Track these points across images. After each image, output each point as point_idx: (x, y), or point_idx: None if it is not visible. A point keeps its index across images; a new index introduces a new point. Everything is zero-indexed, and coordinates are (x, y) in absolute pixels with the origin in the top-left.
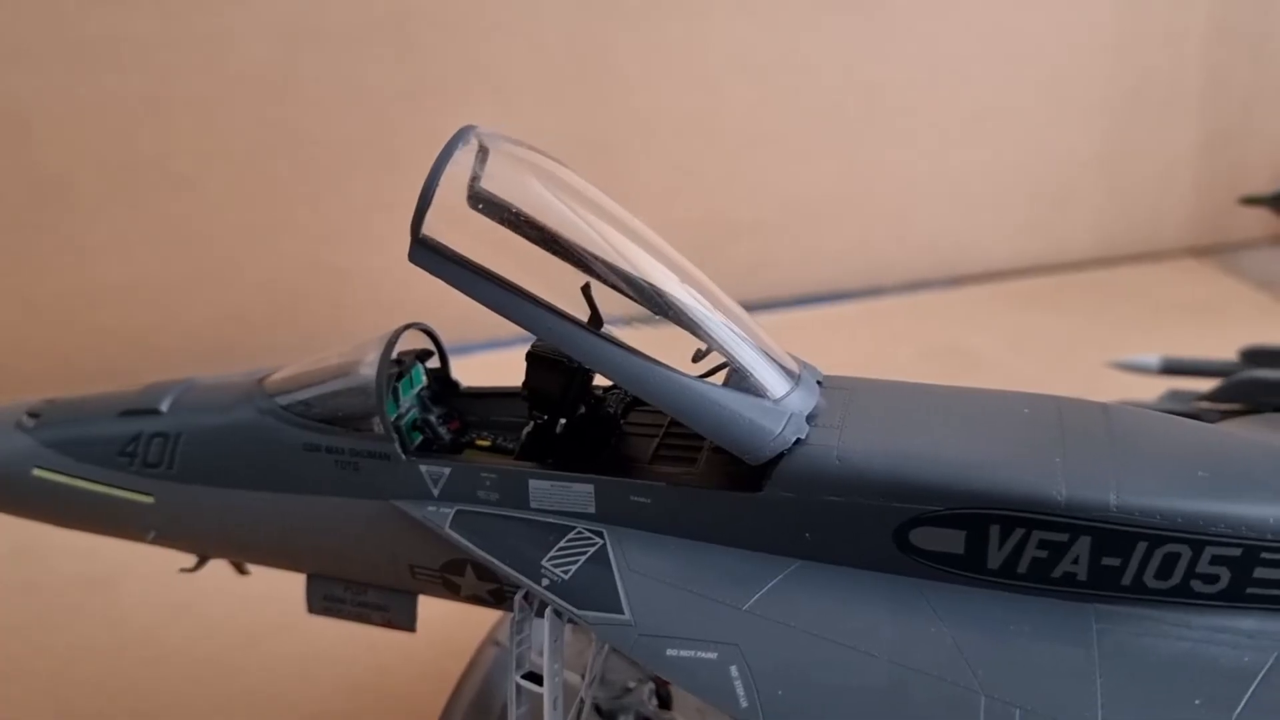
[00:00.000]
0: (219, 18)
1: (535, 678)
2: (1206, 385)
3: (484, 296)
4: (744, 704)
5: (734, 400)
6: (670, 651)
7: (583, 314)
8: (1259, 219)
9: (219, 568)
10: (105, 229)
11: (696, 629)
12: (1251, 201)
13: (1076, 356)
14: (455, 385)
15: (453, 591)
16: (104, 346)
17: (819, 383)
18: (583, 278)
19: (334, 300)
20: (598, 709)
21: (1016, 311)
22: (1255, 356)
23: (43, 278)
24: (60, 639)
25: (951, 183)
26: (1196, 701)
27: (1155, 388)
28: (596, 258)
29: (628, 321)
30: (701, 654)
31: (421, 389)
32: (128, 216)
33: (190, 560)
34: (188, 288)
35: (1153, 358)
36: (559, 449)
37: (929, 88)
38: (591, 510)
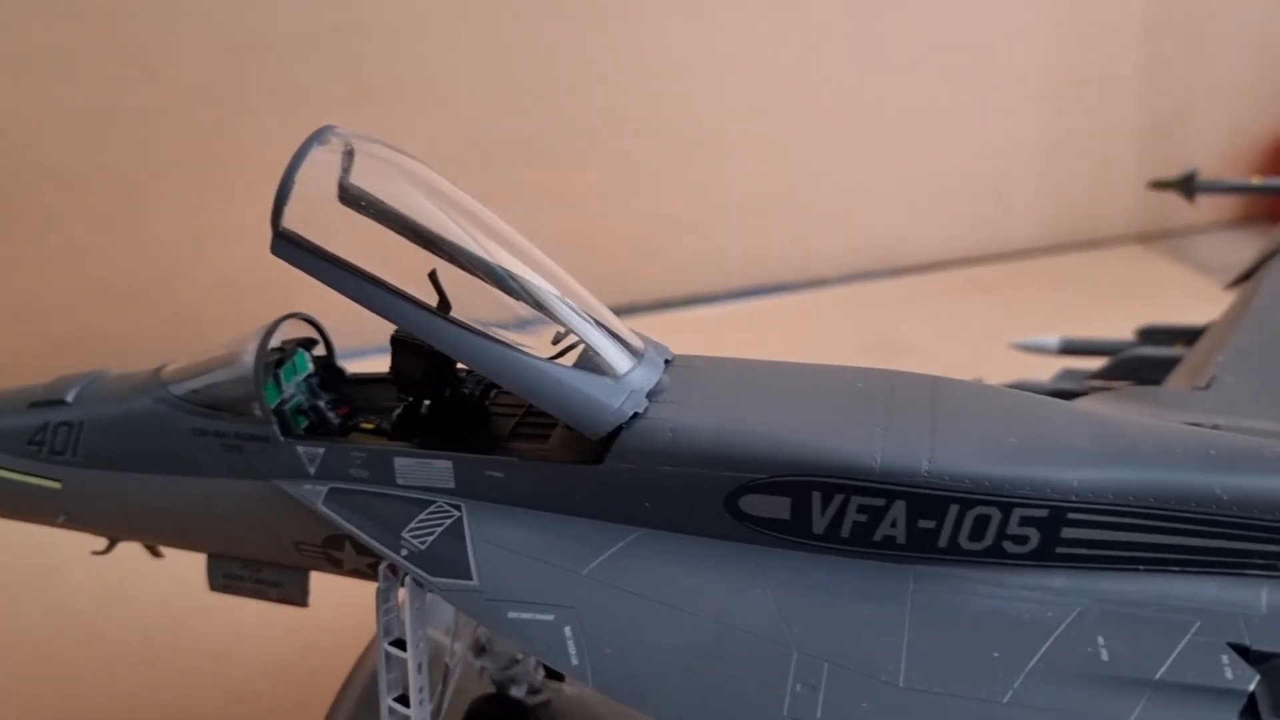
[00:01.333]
0: (161, 30)
1: (403, 644)
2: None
3: (341, 286)
4: (575, 661)
5: (574, 378)
6: (511, 614)
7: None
8: (1202, 207)
9: (144, 553)
10: (60, 237)
11: (537, 593)
12: (1159, 186)
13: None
14: (341, 372)
15: (336, 566)
16: (61, 352)
17: (667, 361)
18: (447, 267)
19: (283, 300)
20: (492, 681)
21: (957, 300)
22: (1151, 335)
23: None
24: None
25: (892, 176)
26: (995, 654)
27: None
28: (456, 248)
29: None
30: (540, 616)
31: (309, 376)
32: (82, 225)
33: (102, 543)
34: (141, 292)
35: (1052, 339)
36: (424, 428)
37: (865, 82)
38: (451, 485)
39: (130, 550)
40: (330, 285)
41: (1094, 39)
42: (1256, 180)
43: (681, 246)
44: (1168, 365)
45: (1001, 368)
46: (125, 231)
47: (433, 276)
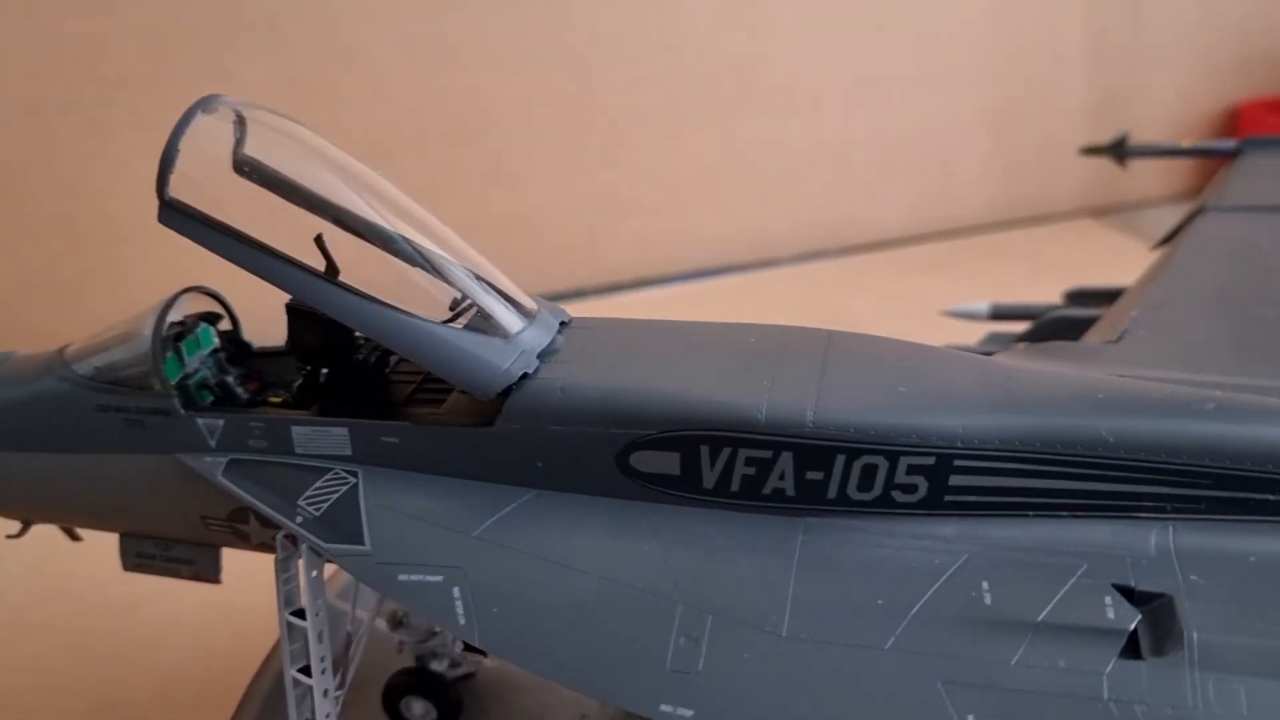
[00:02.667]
0: (90, 22)
1: (304, 614)
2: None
3: (229, 254)
4: (462, 621)
5: (463, 339)
6: (401, 577)
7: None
8: (1153, 178)
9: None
10: None
11: (427, 555)
12: (1091, 151)
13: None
14: (248, 346)
15: (244, 540)
16: None
17: (564, 323)
18: (339, 233)
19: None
20: (412, 655)
21: (906, 277)
22: (1078, 297)
23: None
24: None
25: (838, 154)
26: (879, 602)
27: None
28: (348, 214)
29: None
30: (429, 578)
31: (215, 350)
32: (15, 217)
33: (15, 526)
34: (76, 285)
35: (982, 305)
36: (323, 397)
37: (809, 60)
38: (348, 452)
39: (62, 538)
40: (219, 253)
41: (1037, 11)
42: (1187, 144)
43: (626, 229)
44: (1089, 325)
45: (945, 339)
46: (60, 223)
47: (319, 241)
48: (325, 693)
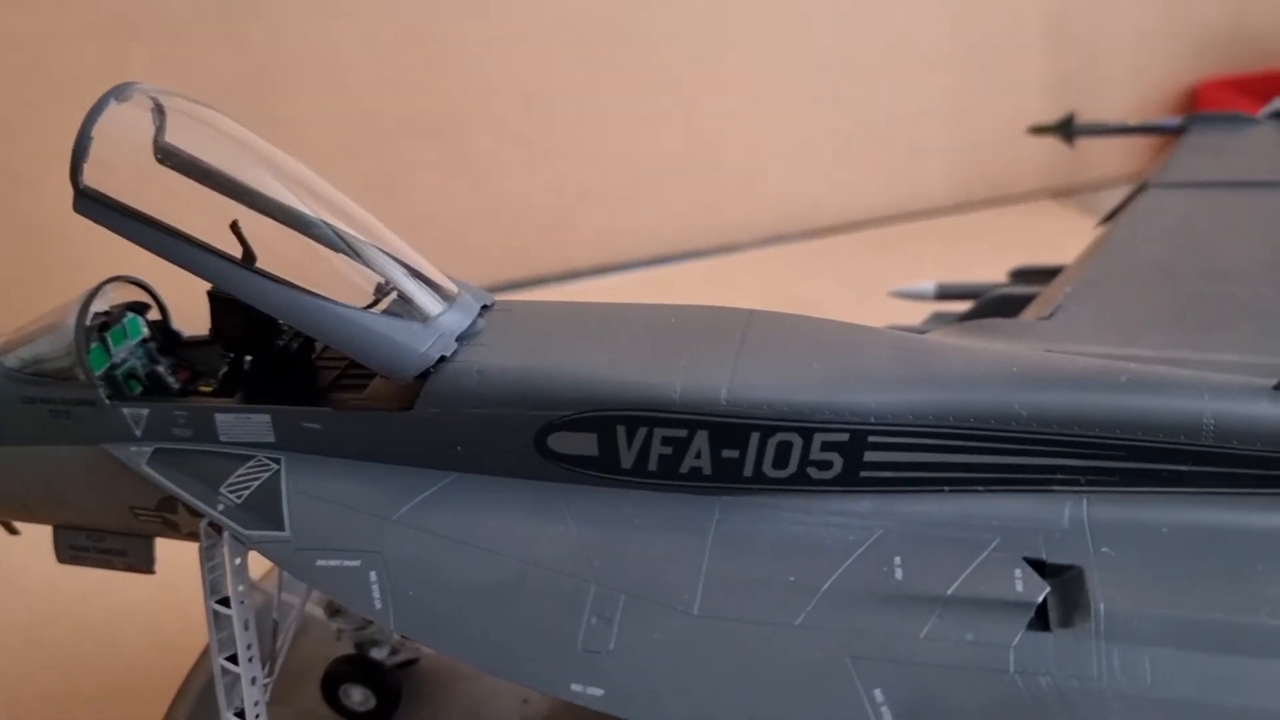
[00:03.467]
0: (42, 18)
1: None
2: None
3: (145, 242)
4: (378, 605)
5: (380, 323)
6: (320, 562)
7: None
8: (1115, 159)
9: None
10: None
11: (345, 540)
12: (1039, 131)
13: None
14: (178, 335)
15: (174, 530)
16: None
17: (486, 307)
18: (259, 219)
19: (171, 284)
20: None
21: (867, 259)
22: (1022, 275)
23: None
24: None
25: (799, 138)
26: (791, 579)
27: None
28: (267, 200)
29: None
30: (346, 562)
31: (146, 340)
32: None
33: None
34: (33, 281)
35: (928, 284)
36: (248, 384)
37: (770, 44)
38: (271, 439)
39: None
40: (135, 241)
41: None
42: (1134, 121)
43: (588, 217)
44: (1030, 303)
45: (894, 320)
46: (12, 220)
47: (235, 227)
48: (253, 680)
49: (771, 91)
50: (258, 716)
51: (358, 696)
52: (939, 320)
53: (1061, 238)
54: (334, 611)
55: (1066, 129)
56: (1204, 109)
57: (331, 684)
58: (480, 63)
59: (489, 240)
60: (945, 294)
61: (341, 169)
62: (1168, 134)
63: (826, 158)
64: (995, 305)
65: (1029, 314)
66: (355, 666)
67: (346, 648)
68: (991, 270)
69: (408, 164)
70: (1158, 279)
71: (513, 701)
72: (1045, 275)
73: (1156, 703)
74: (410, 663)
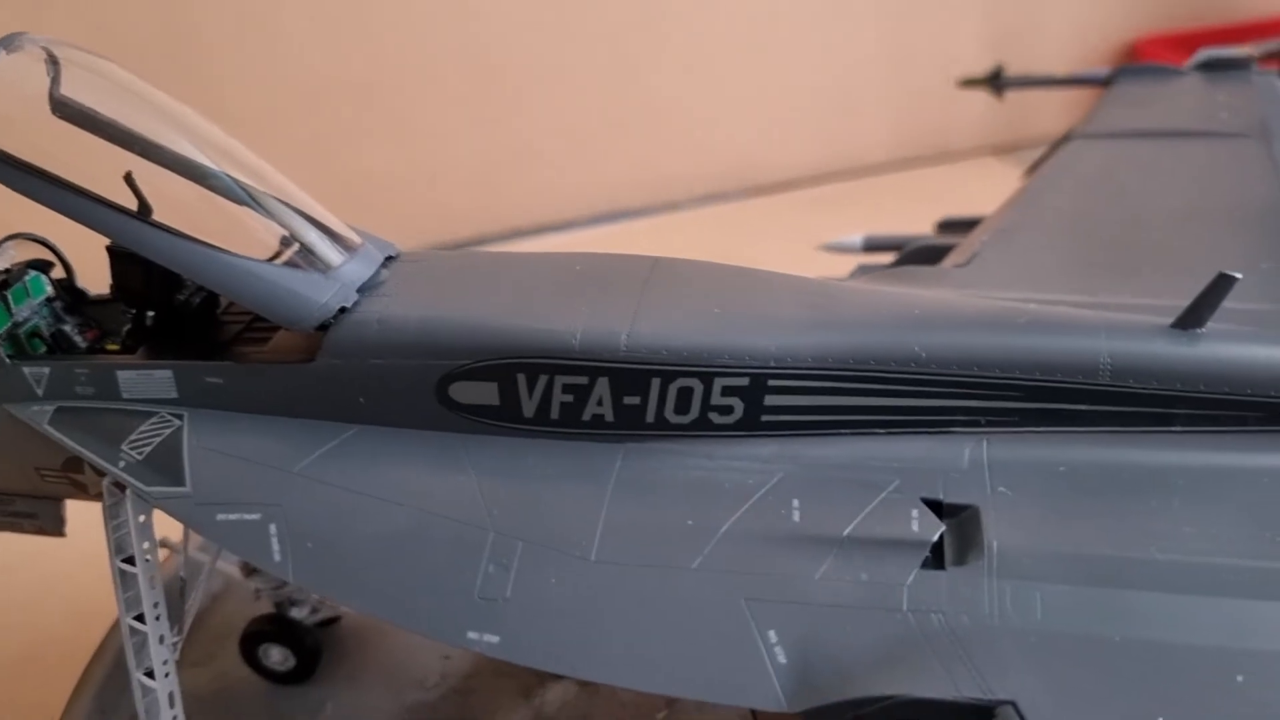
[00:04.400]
0: None
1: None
2: None
3: (36, 195)
4: (277, 559)
5: (278, 274)
6: (220, 516)
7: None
8: (1056, 115)
9: None
10: None
11: (245, 494)
12: (968, 84)
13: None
14: (84, 294)
15: (81, 490)
16: None
17: (392, 258)
18: (156, 171)
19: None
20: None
21: (807, 217)
22: (948, 226)
23: None
24: None
25: (738, 96)
26: (690, 523)
27: None
28: (164, 151)
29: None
30: (246, 516)
31: (51, 299)
32: None
33: None
34: None
35: (856, 237)
36: (149, 340)
37: (704, 3)
38: (174, 395)
39: None
40: (29, 196)
41: None
42: (1062, 74)
43: (528, 177)
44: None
45: (821, 274)
46: None
47: (129, 179)
48: (161, 639)
49: (709, 48)
50: (167, 675)
51: (277, 656)
52: (864, 272)
53: (1002, 194)
54: (250, 571)
55: (995, 81)
56: None
57: (250, 644)
58: (415, 22)
59: (425, 201)
60: (872, 246)
61: (275, 130)
62: (1097, 86)
63: (766, 115)
64: (919, 256)
65: (948, 263)
66: (274, 626)
67: (266, 608)
68: (930, 227)
69: (342, 125)
70: (1073, 226)
71: (434, 657)
72: (970, 226)
73: (1046, 637)
74: (331, 621)
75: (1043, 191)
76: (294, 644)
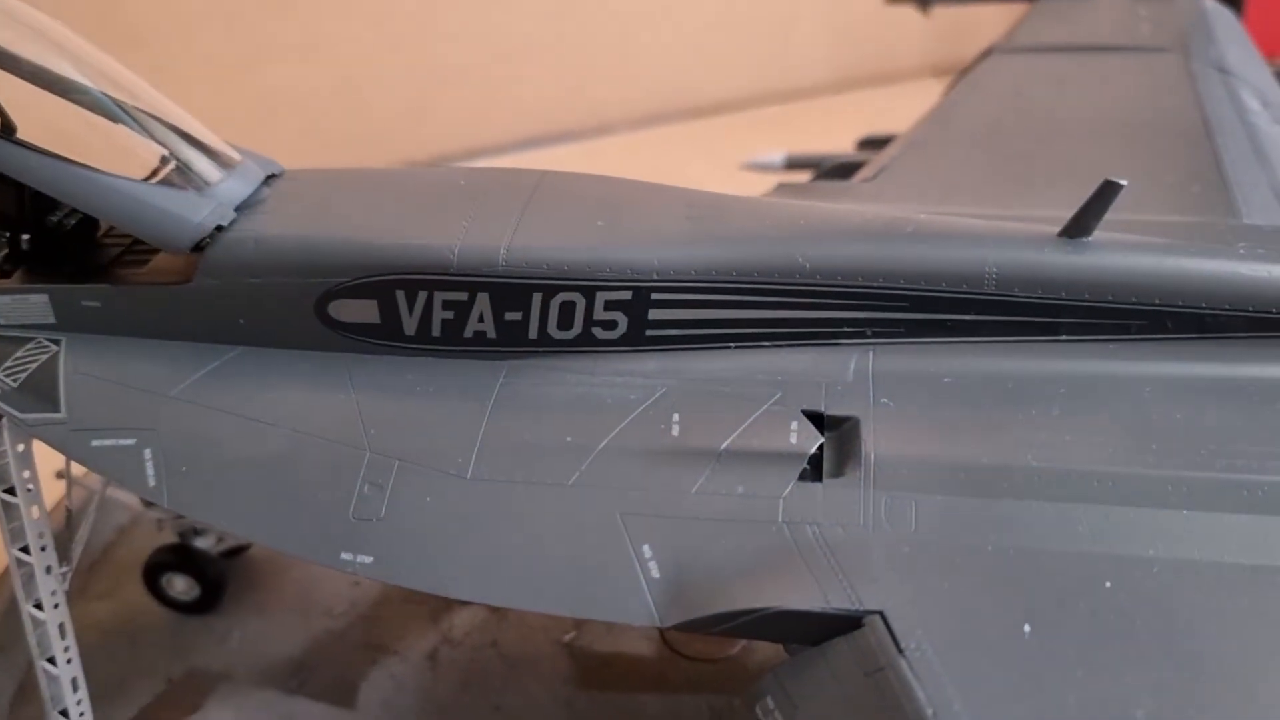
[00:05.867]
0: None
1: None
2: None
3: None
4: (152, 483)
5: (151, 193)
6: (95, 442)
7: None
8: (995, 36)
9: None
10: None
11: (121, 419)
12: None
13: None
14: None
15: None
16: None
17: (274, 176)
18: (20, 85)
19: None
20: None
21: (743, 141)
22: (869, 143)
23: None
24: None
25: (671, 16)
26: (569, 439)
27: None
28: (28, 65)
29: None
30: (121, 441)
31: None
32: None
33: None
34: None
35: (777, 155)
36: (26, 263)
37: None
38: (51, 320)
39: None
40: None
41: None
42: None
43: (452, 99)
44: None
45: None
46: None
47: None
48: (48, 569)
49: None
50: (56, 606)
51: (181, 586)
52: (783, 191)
53: None
54: (148, 502)
55: None
56: None
57: (153, 575)
58: None
59: (344, 126)
60: (794, 164)
61: (186, 48)
62: (1023, 1)
63: (700, 36)
64: (835, 173)
65: (857, 179)
66: (177, 556)
67: (170, 538)
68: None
69: (260, 44)
70: (984, 141)
71: (343, 585)
72: (889, 143)
73: (920, 547)
74: (238, 551)
75: (956, 106)
76: (198, 574)
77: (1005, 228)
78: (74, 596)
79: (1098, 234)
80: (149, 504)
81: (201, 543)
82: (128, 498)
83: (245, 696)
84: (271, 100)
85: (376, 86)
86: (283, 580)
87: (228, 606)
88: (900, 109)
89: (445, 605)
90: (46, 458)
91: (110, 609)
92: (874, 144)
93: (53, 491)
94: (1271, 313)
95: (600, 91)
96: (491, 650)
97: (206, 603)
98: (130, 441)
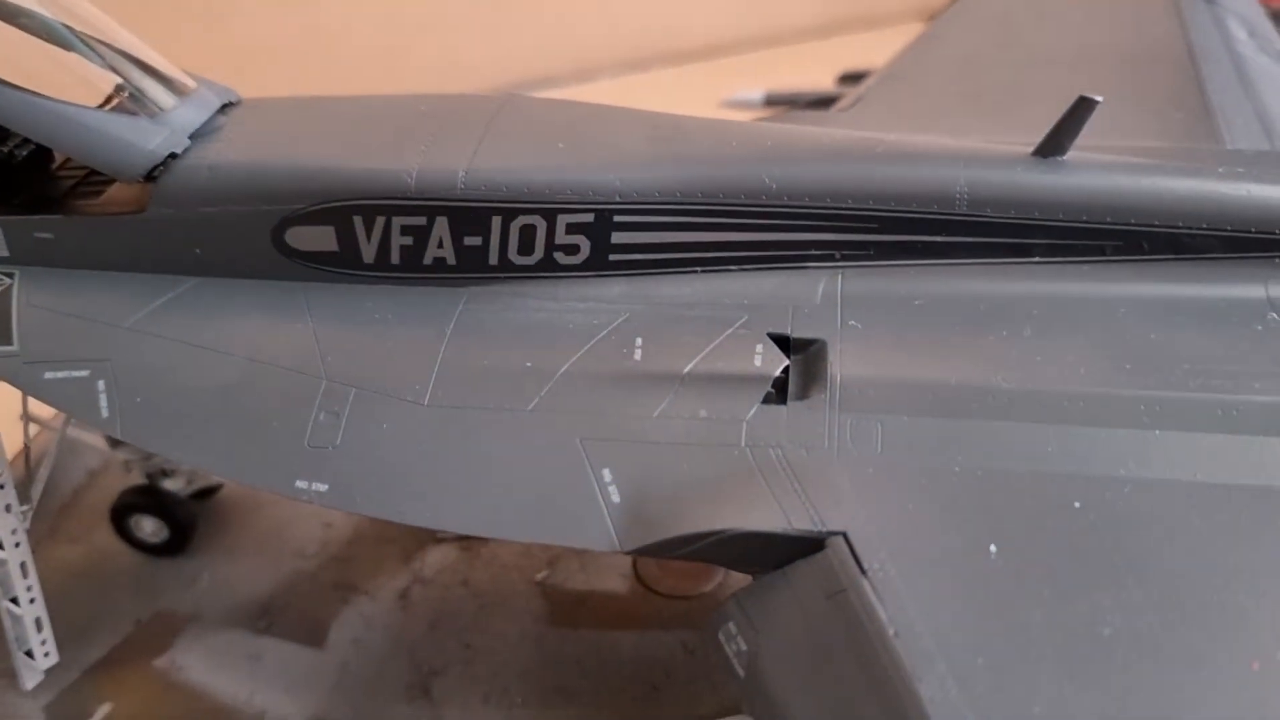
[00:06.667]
0: None
1: None
2: None
3: None
4: (105, 415)
5: (101, 120)
6: (48, 374)
7: None
8: None
9: None
10: None
11: (74, 351)
12: None
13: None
14: None
15: None
16: None
17: (232, 104)
18: None
19: None
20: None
21: (725, 85)
22: (849, 79)
23: None
24: None
25: None
26: (528, 365)
27: None
28: None
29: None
30: (75, 373)
31: None
32: None
33: None
34: None
35: (756, 92)
36: None
37: None
38: (5, 253)
39: None
40: None
41: None
42: None
43: (429, 45)
44: None
45: None
46: None
47: None
48: (7, 508)
49: None
50: (18, 545)
51: (149, 528)
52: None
53: None
54: (115, 442)
55: None
56: None
57: (121, 516)
58: None
59: (318, 73)
60: (774, 101)
61: None
62: None
63: None
64: (814, 107)
65: (835, 110)
66: (144, 497)
67: (139, 479)
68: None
69: None
70: (963, 70)
71: (315, 526)
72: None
73: (885, 468)
74: (209, 492)
75: (938, 38)
76: (166, 516)
77: (977, 147)
78: (43, 539)
79: (1073, 153)
80: (116, 444)
81: (170, 484)
82: (97, 440)
83: (214, 637)
84: (240, 46)
85: (347, 33)
86: (254, 522)
87: (198, 549)
88: (887, 54)
89: (417, 545)
90: (7, 400)
91: (80, 552)
92: (854, 79)
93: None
94: (1250, 232)
95: (583, 36)
96: (463, 589)
97: (176, 545)
98: (83, 373)
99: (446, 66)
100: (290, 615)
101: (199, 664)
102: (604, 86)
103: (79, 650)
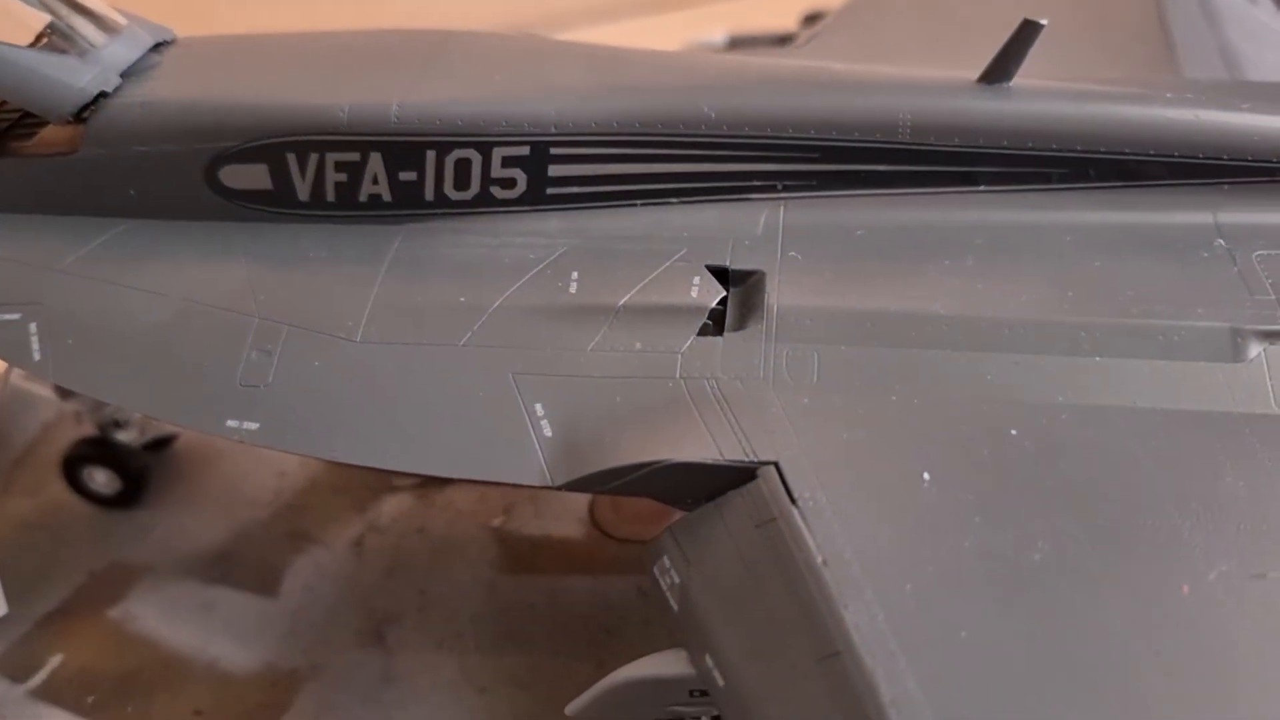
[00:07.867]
0: None
1: None
2: None
3: None
4: (37, 358)
5: (24, 57)
6: None
7: None
8: None
9: None
10: None
11: (5, 294)
12: None
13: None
14: None
15: None
16: None
17: (167, 43)
18: None
19: None
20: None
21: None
22: (813, 19)
23: None
24: None
25: None
26: (462, 300)
27: None
28: None
29: None
30: (6, 316)
31: None
32: None
33: None
34: None
35: (718, 35)
36: None
37: None
38: None
39: None
40: None
41: None
42: None
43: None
44: None
45: None
46: None
47: None
48: None
49: None
50: None
51: (102, 479)
52: None
53: None
54: (65, 393)
55: None
56: None
57: (72, 468)
58: None
59: (284, 23)
60: (737, 43)
61: None
62: None
63: None
64: (775, 46)
65: (791, 47)
66: (95, 448)
67: (90, 430)
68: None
69: None
70: (922, 6)
71: (269, 475)
72: None
73: (820, 397)
74: (163, 443)
75: None
76: (119, 467)
77: (921, 75)
78: None
79: (1019, 81)
80: (66, 394)
81: (123, 435)
82: (49, 391)
83: (167, 587)
84: None
85: None
86: (208, 473)
87: (152, 500)
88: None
89: (372, 494)
90: None
91: (33, 505)
92: (817, 19)
93: None
94: (1197, 158)
95: None
96: (418, 536)
97: (129, 496)
98: (15, 316)
99: (408, 18)
100: (244, 565)
101: (152, 614)
102: (573, 36)
103: (31, 602)
